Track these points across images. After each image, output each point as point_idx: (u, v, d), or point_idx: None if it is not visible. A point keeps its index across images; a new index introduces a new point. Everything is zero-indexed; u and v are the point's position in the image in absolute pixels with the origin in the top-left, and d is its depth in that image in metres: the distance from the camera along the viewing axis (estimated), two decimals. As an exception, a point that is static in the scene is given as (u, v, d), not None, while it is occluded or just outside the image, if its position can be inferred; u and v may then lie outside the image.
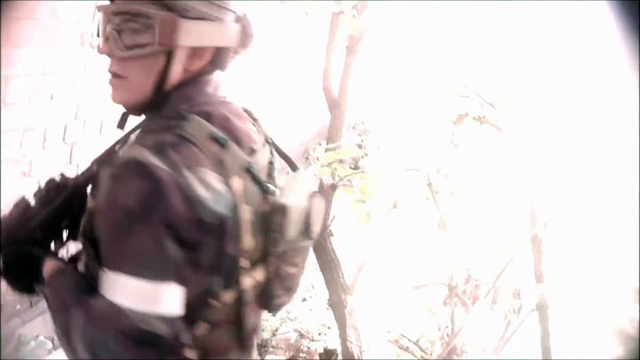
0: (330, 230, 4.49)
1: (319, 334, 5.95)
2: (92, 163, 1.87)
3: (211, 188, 1.62)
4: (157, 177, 1.54)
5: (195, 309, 1.66)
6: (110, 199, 1.58)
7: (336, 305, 4.43)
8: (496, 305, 5.42)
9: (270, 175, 2.00)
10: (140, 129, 1.80)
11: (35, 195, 1.97)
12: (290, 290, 2.00)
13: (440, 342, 4.70)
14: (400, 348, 5.78)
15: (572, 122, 3.59)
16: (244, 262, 1.74)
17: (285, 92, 8.76)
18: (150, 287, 1.50)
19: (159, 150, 1.59)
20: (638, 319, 2.83)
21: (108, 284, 1.53)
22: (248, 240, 1.73)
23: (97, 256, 1.63)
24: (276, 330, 6.11)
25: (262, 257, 1.82)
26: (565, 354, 3.89)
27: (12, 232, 1.89)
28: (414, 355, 5.61)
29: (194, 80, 1.85)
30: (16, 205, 1.95)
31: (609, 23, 1.69)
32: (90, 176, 1.85)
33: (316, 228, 1.98)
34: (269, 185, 1.87)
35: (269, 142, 2.08)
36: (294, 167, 2.21)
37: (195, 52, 1.78)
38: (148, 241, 1.52)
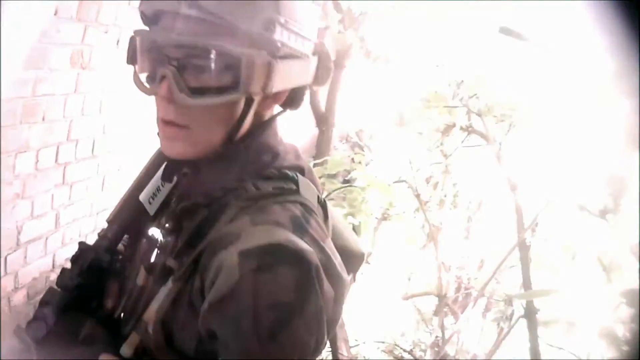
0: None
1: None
2: (113, 224, 1.60)
3: (337, 257, 1.45)
4: (310, 261, 1.32)
5: None
6: (259, 295, 1.30)
7: (326, 319, 4.41)
8: (489, 313, 5.47)
9: None
10: (228, 192, 1.47)
11: (68, 281, 1.55)
12: None
13: (431, 351, 4.73)
14: (395, 358, 5.81)
15: (558, 128, 3.63)
16: None
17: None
18: None
19: (299, 228, 1.38)
20: (629, 321, 2.86)
21: None
22: None
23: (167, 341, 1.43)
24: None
25: None
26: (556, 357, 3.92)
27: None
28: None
29: (265, 124, 1.53)
30: (47, 303, 1.53)
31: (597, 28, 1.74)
32: (115, 240, 1.61)
33: None
34: None
35: None
36: None
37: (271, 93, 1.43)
38: (305, 333, 1.32)
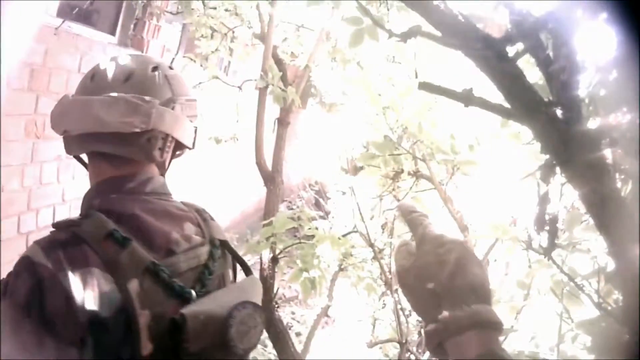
0: (277, 302, 4.50)
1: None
2: None
3: (95, 289, 1.59)
4: (40, 275, 1.57)
5: None
6: (7, 293, 1.59)
7: (289, 375, 4.38)
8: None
9: (201, 279, 1.90)
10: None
11: None
12: None
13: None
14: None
15: (495, 170, 3.67)
16: None
17: (228, 164, 8.86)
18: None
19: (49, 248, 1.62)
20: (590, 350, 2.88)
21: None
22: (148, 346, 1.65)
23: None
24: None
25: None
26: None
27: None
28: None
29: (118, 176, 1.91)
30: None
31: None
32: None
33: (244, 342, 1.79)
34: (187, 289, 1.79)
35: (214, 244, 2.01)
36: (247, 272, 2.14)
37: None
38: (29, 336, 1.52)
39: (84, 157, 2.04)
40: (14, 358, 1.52)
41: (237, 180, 9.54)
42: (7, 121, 4.20)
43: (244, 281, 2.05)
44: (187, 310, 1.69)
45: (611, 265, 2.37)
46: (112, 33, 5.87)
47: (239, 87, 4.93)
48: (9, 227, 4.43)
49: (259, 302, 1.93)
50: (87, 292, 1.58)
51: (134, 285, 1.64)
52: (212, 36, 5.35)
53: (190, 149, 2.09)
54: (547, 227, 2.34)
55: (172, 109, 1.93)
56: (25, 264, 1.61)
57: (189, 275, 1.86)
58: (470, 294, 1.16)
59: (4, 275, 1.71)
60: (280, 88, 4.17)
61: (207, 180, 8.53)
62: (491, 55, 1.66)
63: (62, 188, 4.97)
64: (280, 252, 4.10)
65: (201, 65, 5.30)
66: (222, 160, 8.82)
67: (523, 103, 1.72)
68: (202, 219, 2.05)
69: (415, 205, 1.41)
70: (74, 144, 1.95)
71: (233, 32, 5.58)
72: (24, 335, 1.53)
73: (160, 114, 1.87)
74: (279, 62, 4.46)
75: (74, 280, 1.57)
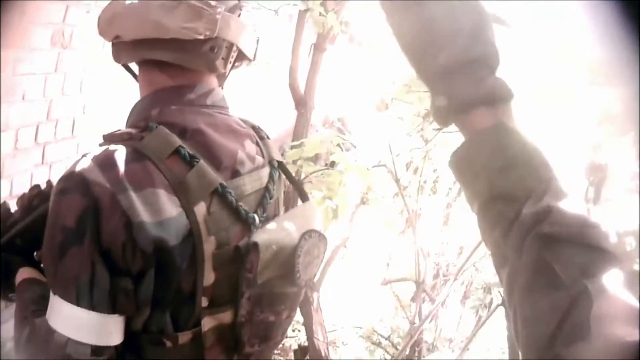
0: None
1: (293, 331, 5.85)
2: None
3: (160, 212, 1.45)
4: (95, 195, 1.41)
5: (144, 346, 1.54)
6: (52, 215, 1.46)
7: (302, 302, 4.34)
8: (467, 300, 5.45)
9: (262, 203, 1.77)
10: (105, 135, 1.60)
11: (18, 201, 1.80)
12: (267, 339, 1.72)
13: (408, 338, 4.70)
14: (372, 344, 5.77)
15: (538, 115, 3.60)
16: (204, 301, 1.55)
17: (259, 87, 8.75)
18: (84, 316, 1.40)
19: (107, 165, 1.46)
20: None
21: (50, 306, 1.45)
22: (211, 276, 1.54)
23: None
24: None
25: (233, 298, 1.61)
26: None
27: None
28: (386, 351, 5.61)
29: (176, 86, 1.70)
30: None
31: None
32: None
33: (307, 273, 1.71)
34: (251, 214, 1.67)
35: (273, 165, 1.87)
36: (303, 197, 2.02)
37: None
38: (79, 265, 1.41)
39: (133, 65, 1.84)
40: (61, 286, 1.43)
41: (264, 106, 9.43)
42: (33, 30, 4.12)
43: (305, 207, 1.94)
44: (259, 238, 1.57)
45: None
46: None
47: (275, 10, 4.84)
48: (26, 136, 4.35)
49: (320, 230, 1.78)
50: (152, 217, 1.44)
51: (201, 210, 1.52)
52: (249, -41, 5.26)
53: (251, 60, 1.89)
54: (597, 176, 2.31)
55: (238, 16, 1.74)
56: (77, 181, 1.44)
57: (251, 198, 1.73)
58: (482, 67, 1.08)
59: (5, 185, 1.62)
60: (321, 13, 4.09)
61: (232, 105, 8.45)
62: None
63: (84, 101, 4.89)
64: (306, 177, 4.02)
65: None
66: (249, 87, 8.70)
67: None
68: (259, 137, 1.89)
69: None
70: (125, 51, 1.72)
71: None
72: (72, 266, 1.41)
73: (226, 20, 1.66)
74: (320, -12, 4.36)
75: (137, 203, 1.42)
